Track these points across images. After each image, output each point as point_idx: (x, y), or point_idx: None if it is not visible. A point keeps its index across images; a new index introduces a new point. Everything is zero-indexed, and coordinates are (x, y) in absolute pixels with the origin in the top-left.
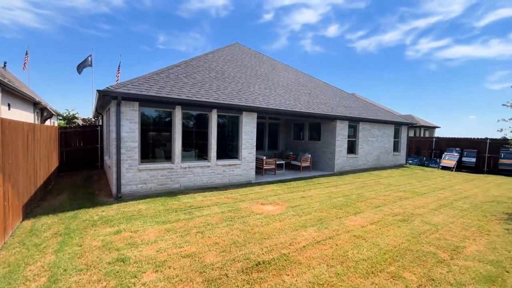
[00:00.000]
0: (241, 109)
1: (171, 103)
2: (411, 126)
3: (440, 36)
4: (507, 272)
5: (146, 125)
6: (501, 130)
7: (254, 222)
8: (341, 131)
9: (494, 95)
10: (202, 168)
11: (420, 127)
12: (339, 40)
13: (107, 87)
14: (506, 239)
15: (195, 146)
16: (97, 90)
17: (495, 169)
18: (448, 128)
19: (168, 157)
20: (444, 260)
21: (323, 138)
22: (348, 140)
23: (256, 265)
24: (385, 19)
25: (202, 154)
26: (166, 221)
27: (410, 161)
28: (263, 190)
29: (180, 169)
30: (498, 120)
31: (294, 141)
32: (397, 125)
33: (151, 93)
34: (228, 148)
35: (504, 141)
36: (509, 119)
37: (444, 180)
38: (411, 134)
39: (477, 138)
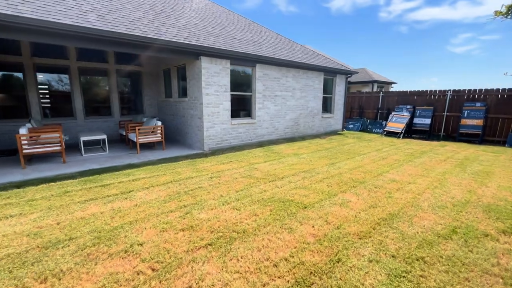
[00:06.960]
0: None
1: None
2: (350, 77)
3: None
4: None
5: None
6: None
7: None
8: (215, 78)
9: (456, 59)
10: None
11: (373, 82)
12: None
13: None
14: None
15: None
16: None
17: (454, 134)
18: (410, 87)
19: None
20: None
21: (190, 92)
22: (234, 95)
23: None
24: None
25: None
26: None
27: (351, 125)
28: None
29: None
30: None
31: (165, 102)
32: (329, 74)
33: None
34: None
35: (469, 92)
36: None
37: (376, 159)
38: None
39: (435, 91)
